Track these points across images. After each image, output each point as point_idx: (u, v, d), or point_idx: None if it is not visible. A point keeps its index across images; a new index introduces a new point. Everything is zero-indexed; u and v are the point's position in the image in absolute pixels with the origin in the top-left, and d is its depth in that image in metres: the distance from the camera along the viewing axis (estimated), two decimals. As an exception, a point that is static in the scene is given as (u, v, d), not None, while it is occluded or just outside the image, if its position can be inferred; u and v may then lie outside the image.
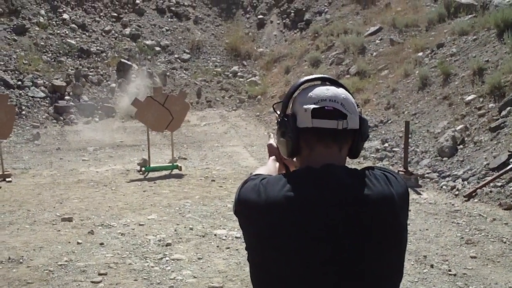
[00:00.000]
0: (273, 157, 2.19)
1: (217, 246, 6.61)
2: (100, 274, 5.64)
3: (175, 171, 11.26)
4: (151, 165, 11.36)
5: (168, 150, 12.77)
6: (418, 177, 9.75)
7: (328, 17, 20.42)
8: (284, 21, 21.81)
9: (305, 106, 1.77)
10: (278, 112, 1.89)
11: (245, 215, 1.78)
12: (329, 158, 1.77)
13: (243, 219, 1.79)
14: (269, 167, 2.14)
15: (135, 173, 11.22)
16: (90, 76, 17.11)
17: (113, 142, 14.48)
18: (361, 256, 1.68)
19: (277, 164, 2.15)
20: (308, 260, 1.66)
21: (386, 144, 11.96)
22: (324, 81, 1.87)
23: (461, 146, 10.32)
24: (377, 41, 16.96)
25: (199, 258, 6.19)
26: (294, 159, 1.90)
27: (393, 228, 1.75)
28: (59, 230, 7.20)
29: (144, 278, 5.58)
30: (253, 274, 1.81)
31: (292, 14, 21.64)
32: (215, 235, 7.04)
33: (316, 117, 1.74)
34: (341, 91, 1.81)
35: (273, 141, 2.25)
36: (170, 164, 11.55)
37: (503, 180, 8.54)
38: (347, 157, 1.84)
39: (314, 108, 1.74)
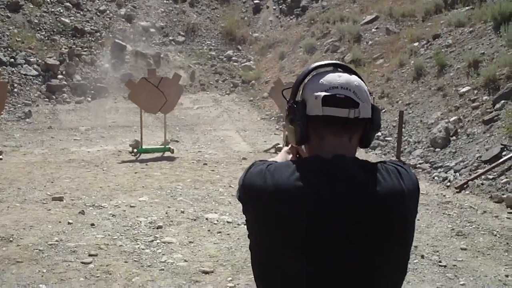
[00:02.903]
0: (287, 148, 2.09)
1: (208, 230, 6.59)
2: (90, 255, 5.61)
3: (167, 154, 11.23)
4: (143, 147, 11.32)
5: (160, 132, 12.72)
6: (410, 167, 9.77)
7: (325, 4, 20.34)
8: (280, 6, 21.70)
9: (315, 94, 1.70)
10: (287, 99, 1.82)
11: (249, 201, 1.73)
12: (340, 148, 1.71)
13: (247, 205, 1.74)
14: (281, 157, 2.07)
15: (127, 154, 11.18)
16: (83, 56, 16.98)
17: (105, 123, 14.42)
18: (368, 252, 1.65)
19: (290, 156, 2.06)
20: (313, 253, 1.63)
21: (379, 133, 11.96)
22: (336, 67, 1.81)
23: (454, 137, 10.34)
24: (373, 30, 16.93)
25: (190, 242, 6.17)
26: (302, 147, 1.84)
27: (402, 225, 1.71)
28: (50, 210, 7.15)
29: (135, 260, 5.56)
30: (255, 263, 1.77)
31: (289, 0, 21.52)
32: (206, 219, 7.02)
33: (326, 105, 1.68)
34: (353, 78, 1.75)
35: None
36: (162, 146, 11.52)
37: (495, 173, 8.56)
38: (358, 147, 1.79)
39: (325, 96, 1.68)
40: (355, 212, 1.63)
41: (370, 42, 16.41)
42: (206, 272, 5.33)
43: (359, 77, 1.79)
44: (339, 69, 1.80)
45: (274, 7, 21.91)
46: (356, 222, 1.63)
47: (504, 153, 8.86)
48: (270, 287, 1.73)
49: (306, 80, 1.81)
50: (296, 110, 1.75)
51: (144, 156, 11.00)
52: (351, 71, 1.80)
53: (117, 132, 13.61)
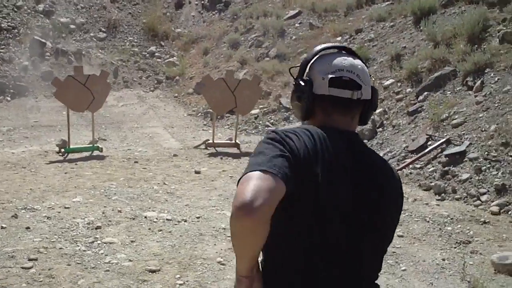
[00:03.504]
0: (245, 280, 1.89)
1: (149, 229, 6.52)
2: (30, 260, 5.43)
3: (96, 153, 10.98)
4: (71, 146, 11.02)
5: (86, 130, 12.44)
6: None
7: (247, -1, 20.41)
8: (202, 1, 21.59)
9: (323, 75, 1.86)
10: (294, 77, 1.98)
11: (300, 158, 1.71)
12: (345, 125, 1.89)
13: (298, 162, 1.71)
14: None
15: (54, 154, 10.85)
16: (0, 53, 16.30)
17: (27, 122, 13.91)
18: (380, 213, 1.89)
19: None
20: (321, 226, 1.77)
21: (308, 127, 12.15)
22: (340, 49, 1.95)
23: (381, 129, 10.67)
24: (297, 25, 17.13)
25: (132, 241, 6.09)
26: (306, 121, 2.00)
27: (399, 198, 2.03)
28: (-21, 214, 6.86)
29: (78, 263, 5.43)
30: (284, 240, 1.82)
31: (211, -5, 21.45)
32: (145, 217, 6.94)
33: (333, 86, 1.84)
34: (358, 62, 1.90)
35: None
36: (91, 145, 11.26)
37: (422, 162, 8.90)
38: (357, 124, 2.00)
39: (332, 78, 1.84)
40: (371, 180, 1.85)
41: (294, 37, 16.61)
42: (153, 271, 5.28)
43: (362, 60, 1.94)
44: (344, 52, 1.95)
45: (196, 2, 21.78)
46: (372, 188, 1.86)
47: (429, 143, 9.23)
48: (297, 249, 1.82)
49: (313, 60, 1.94)
50: (304, 88, 1.89)
51: (72, 155, 10.71)
52: (355, 55, 1.95)
53: (41, 132, 13.17)
